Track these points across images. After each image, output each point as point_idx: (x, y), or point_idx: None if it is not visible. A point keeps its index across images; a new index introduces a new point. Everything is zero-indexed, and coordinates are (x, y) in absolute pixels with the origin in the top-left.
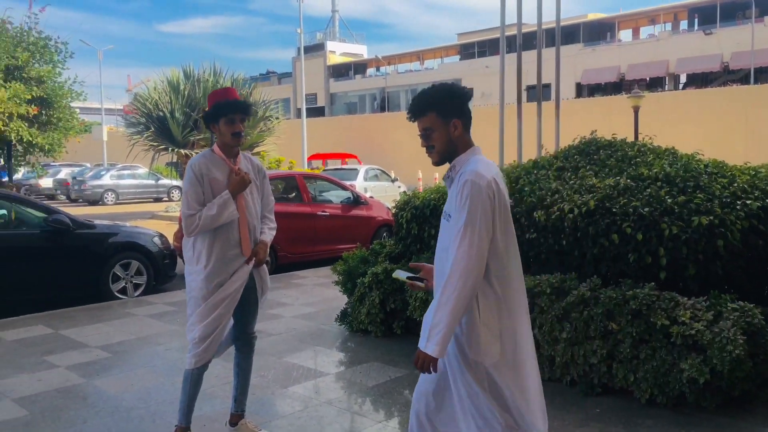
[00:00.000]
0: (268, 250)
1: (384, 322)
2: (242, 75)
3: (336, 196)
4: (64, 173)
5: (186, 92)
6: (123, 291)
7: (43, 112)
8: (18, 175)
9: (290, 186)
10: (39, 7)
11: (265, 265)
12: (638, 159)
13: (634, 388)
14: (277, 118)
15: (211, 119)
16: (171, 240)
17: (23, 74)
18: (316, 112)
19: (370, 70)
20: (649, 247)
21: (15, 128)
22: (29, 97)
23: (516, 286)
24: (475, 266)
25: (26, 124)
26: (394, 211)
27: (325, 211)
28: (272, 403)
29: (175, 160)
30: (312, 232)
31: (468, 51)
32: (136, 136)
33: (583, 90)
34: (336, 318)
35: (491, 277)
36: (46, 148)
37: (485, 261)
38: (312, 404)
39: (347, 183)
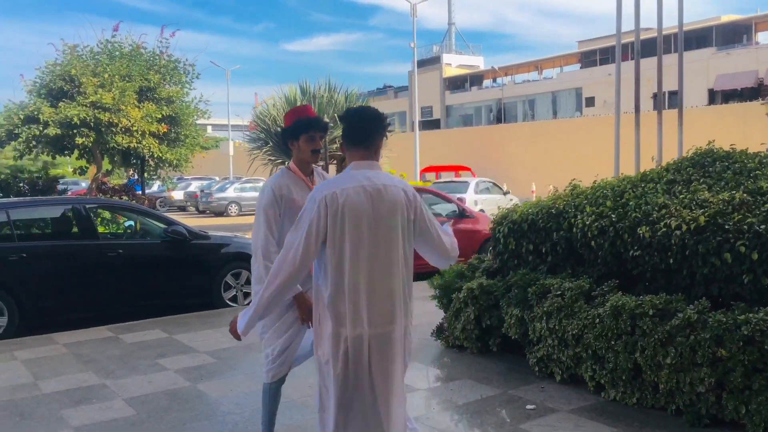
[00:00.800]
0: None
1: (480, 339)
2: (356, 90)
3: (441, 209)
4: (194, 186)
5: None
6: (234, 299)
7: (172, 129)
8: (153, 189)
9: None
10: (170, 32)
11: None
12: (758, 172)
13: (747, 421)
14: (390, 131)
15: (291, 136)
16: None
17: (155, 95)
18: (431, 124)
19: (487, 82)
20: (765, 267)
21: (147, 145)
22: (159, 116)
23: None
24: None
25: (157, 141)
26: (491, 225)
27: None
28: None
29: None
30: None
31: (589, 59)
32: (256, 151)
33: (717, 97)
34: (432, 333)
35: None
36: (174, 162)
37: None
38: None
39: (457, 196)
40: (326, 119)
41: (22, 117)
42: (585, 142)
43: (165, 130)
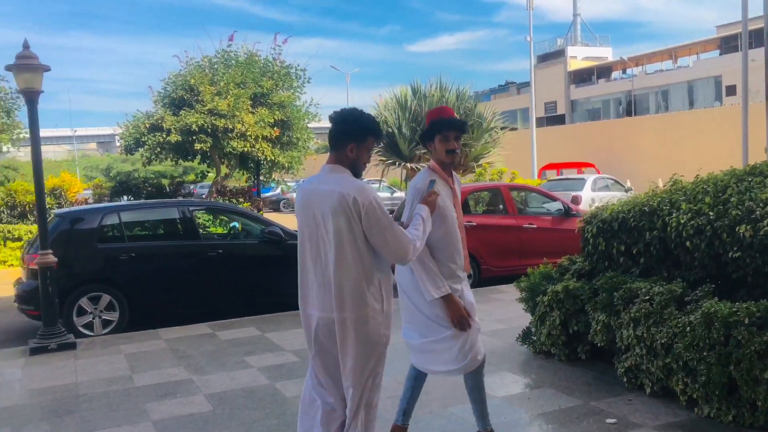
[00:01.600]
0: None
1: (567, 345)
2: (468, 88)
3: (549, 207)
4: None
5: (412, 108)
6: None
7: (284, 133)
8: (277, 191)
9: (495, 198)
10: (283, 39)
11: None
12: None
13: None
14: (502, 128)
15: (427, 137)
16: None
17: (268, 100)
18: (555, 120)
19: (615, 74)
20: None
21: (260, 149)
22: (272, 120)
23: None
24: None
25: (270, 144)
26: (580, 224)
27: (532, 224)
28: (427, 422)
29: (404, 174)
30: (517, 245)
31: (729, 44)
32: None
33: None
34: (517, 337)
35: None
36: (286, 165)
37: None
38: (465, 428)
39: (572, 194)
40: None
41: (147, 125)
42: (722, 133)
43: (277, 134)
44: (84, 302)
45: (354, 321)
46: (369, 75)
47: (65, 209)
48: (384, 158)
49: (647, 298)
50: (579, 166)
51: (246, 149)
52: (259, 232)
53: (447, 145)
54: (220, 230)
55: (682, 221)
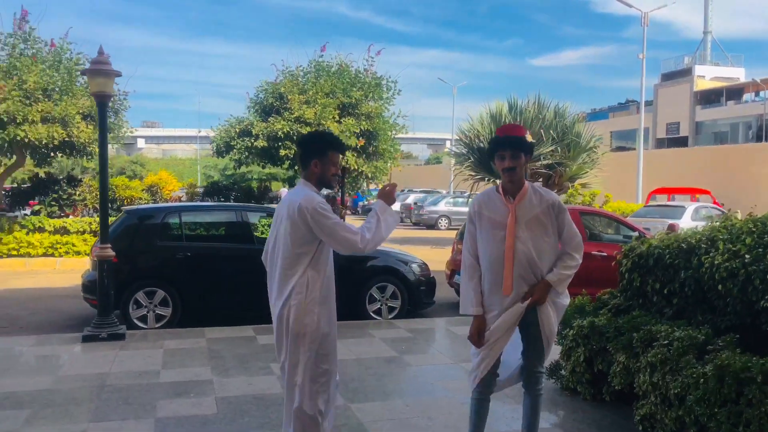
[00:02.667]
0: (548, 289)
1: (592, 384)
2: (568, 106)
3: (625, 235)
4: (411, 198)
5: (506, 123)
6: (378, 312)
7: (370, 143)
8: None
9: None
10: (376, 51)
11: (549, 304)
12: None
13: None
14: (594, 149)
15: (488, 155)
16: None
17: (356, 110)
18: (678, 142)
19: (747, 96)
20: None
21: (344, 157)
22: (357, 130)
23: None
24: None
25: (355, 154)
26: (618, 258)
27: (602, 251)
28: None
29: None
30: (583, 272)
31: None
32: (457, 166)
33: None
34: (546, 370)
35: None
36: (370, 175)
37: None
38: None
39: (669, 222)
40: (529, 137)
41: (238, 130)
42: None
43: (362, 143)
44: (140, 296)
45: (282, 312)
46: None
47: (134, 206)
48: (473, 173)
49: (666, 342)
50: (693, 192)
51: None
52: None
53: (502, 164)
54: None
55: (716, 262)
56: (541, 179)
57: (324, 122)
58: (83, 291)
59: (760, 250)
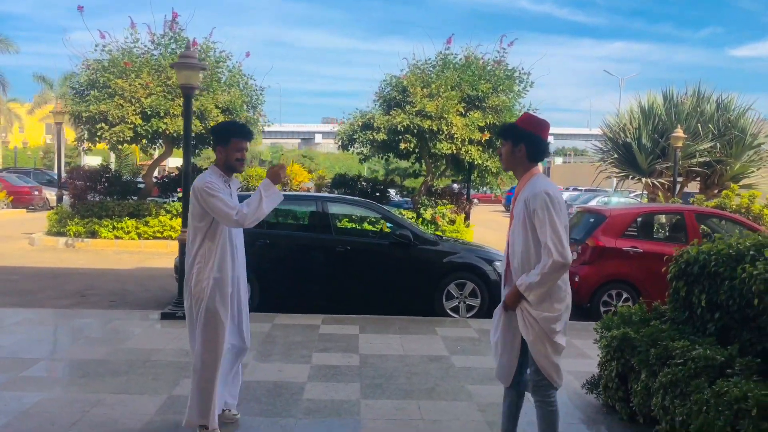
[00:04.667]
0: (516, 299)
1: (628, 401)
2: (733, 98)
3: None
4: (565, 196)
5: (658, 117)
6: (455, 310)
7: (496, 138)
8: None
9: (677, 224)
10: (509, 42)
11: (520, 312)
12: None
13: None
14: (762, 145)
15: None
16: None
17: (483, 104)
18: None
19: None
20: None
21: (468, 152)
22: (482, 124)
23: None
24: None
25: (480, 148)
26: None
27: None
28: None
29: (634, 189)
30: None
31: None
32: (598, 162)
33: None
34: (583, 384)
35: None
36: (494, 170)
37: None
38: None
39: None
40: (678, 131)
41: (360, 124)
42: None
43: (486, 137)
44: None
45: (188, 278)
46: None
47: None
48: (617, 170)
49: (680, 362)
50: None
51: (452, 151)
52: (390, 233)
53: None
54: (364, 226)
55: (754, 272)
56: (699, 178)
57: (446, 115)
58: (174, 272)
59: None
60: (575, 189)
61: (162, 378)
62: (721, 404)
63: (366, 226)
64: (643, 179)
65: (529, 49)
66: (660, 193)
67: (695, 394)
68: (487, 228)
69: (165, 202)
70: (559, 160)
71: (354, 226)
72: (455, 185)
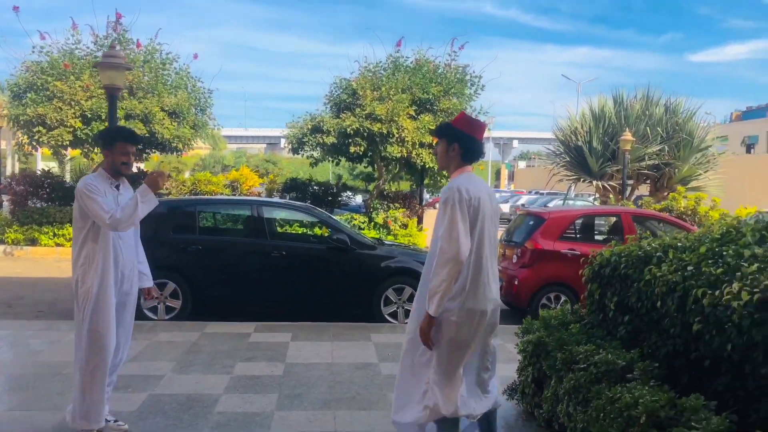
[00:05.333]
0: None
1: (544, 408)
2: (681, 102)
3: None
4: (524, 200)
5: (608, 120)
6: (394, 315)
7: None
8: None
9: (614, 225)
10: (459, 45)
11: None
12: None
13: None
14: (708, 148)
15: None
16: None
17: (434, 107)
18: None
19: None
20: None
21: (419, 155)
22: (433, 127)
23: None
24: None
25: (431, 152)
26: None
27: None
28: None
29: (594, 192)
30: None
31: None
32: (550, 165)
33: None
34: (505, 389)
35: None
36: (445, 174)
37: None
38: None
39: None
40: (626, 135)
41: (310, 127)
42: None
43: (436, 141)
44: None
45: (74, 277)
46: (639, 86)
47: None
48: (569, 173)
49: (583, 366)
50: None
51: (404, 155)
52: (327, 237)
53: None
54: (301, 231)
55: (658, 274)
56: (649, 180)
57: (397, 118)
58: None
59: (710, 260)
60: (537, 192)
61: (69, 392)
62: (614, 411)
63: (302, 230)
64: (594, 182)
65: (492, 53)
66: (611, 196)
67: (595, 400)
68: None
69: None
70: (522, 164)
71: (290, 230)
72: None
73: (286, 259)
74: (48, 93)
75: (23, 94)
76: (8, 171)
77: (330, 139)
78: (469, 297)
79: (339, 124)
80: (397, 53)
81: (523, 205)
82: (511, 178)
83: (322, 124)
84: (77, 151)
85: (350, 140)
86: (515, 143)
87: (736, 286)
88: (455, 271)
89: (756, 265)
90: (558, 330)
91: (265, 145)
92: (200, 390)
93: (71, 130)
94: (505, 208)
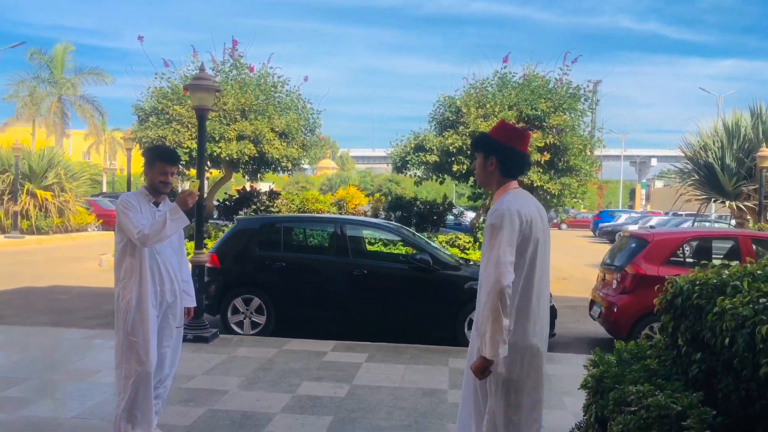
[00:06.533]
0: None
1: None
2: None
3: None
4: (654, 221)
5: (743, 135)
6: None
7: (559, 158)
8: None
9: (731, 249)
10: (572, 59)
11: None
12: None
13: None
14: None
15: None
16: None
17: (543, 123)
18: None
19: None
20: None
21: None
22: (541, 144)
23: None
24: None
25: (540, 170)
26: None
27: None
28: None
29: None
30: None
31: None
32: (677, 184)
33: None
34: (572, 429)
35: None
36: (556, 193)
37: None
38: None
39: None
40: (764, 150)
41: (413, 145)
42: None
43: (546, 158)
44: (238, 302)
45: (115, 290)
46: None
47: (246, 216)
48: (697, 193)
49: (634, 409)
50: None
51: None
52: (409, 257)
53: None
54: (388, 250)
55: (727, 306)
56: None
57: None
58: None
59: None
60: (675, 214)
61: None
62: None
63: (386, 249)
64: (728, 202)
65: (632, 70)
66: (749, 218)
67: None
68: (563, 253)
69: (225, 225)
70: (660, 184)
71: (373, 249)
72: None
73: (368, 277)
74: (168, 116)
75: (147, 118)
76: None
77: (432, 158)
78: (517, 332)
79: (442, 142)
80: (504, 69)
81: (651, 227)
82: (647, 198)
83: (425, 142)
84: (216, 171)
85: (453, 158)
86: (653, 161)
87: None
88: (503, 304)
89: None
90: (625, 365)
91: (391, 165)
92: (258, 408)
93: (188, 151)
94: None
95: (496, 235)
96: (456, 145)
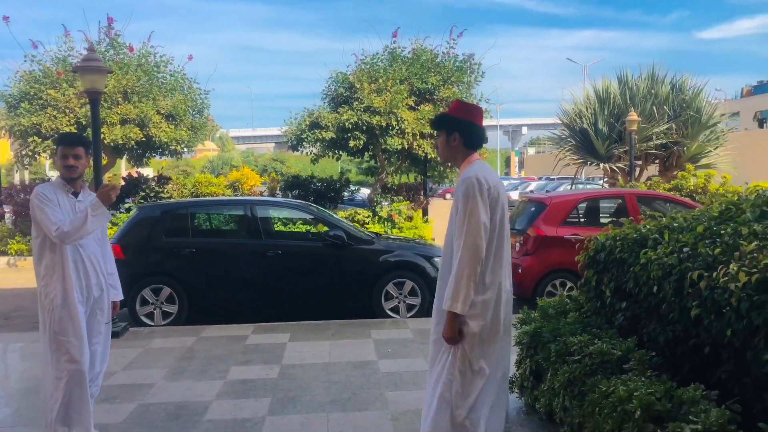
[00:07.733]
0: (453, 326)
1: (543, 401)
2: (687, 78)
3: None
4: (533, 186)
5: (613, 101)
6: (395, 310)
7: None
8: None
9: (619, 208)
10: (458, 33)
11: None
12: None
13: None
14: (716, 125)
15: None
16: None
17: (434, 96)
18: None
19: None
20: None
21: (420, 146)
22: (433, 117)
23: None
24: None
25: (433, 142)
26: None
27: None
28: None
29: (602, 175)
30: None
31: None
32: (555, 150)
33: None
34: (515, 381)
35: None
36: (451, 165)
37: None
38: None
39: None
40: (632, 115)
41: (308, 123)
42: None
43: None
44: (147, 293)
45: (37, 288)
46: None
47: (150, 203)
48: (575, 157)
49: (578, 358)
50: None
51: (405, 146)
52: (324, 234)
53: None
54: (298, 229)
55: (653, 257)
56: (657, 160)
57: (396, 110)
58: None
59: (707, 240)
60: (547, 178)
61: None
62: (608, 406)
63: (299, 228)
64: (602, 164)
65: (498, 41)
66: (619, 178)
67: (590, 393)
68: None
69: (113, 214)
70: (532, 151)
71: (286, 229)
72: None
73: (283, 257)
74: (42, 102)
75: (17, 105)
76: (17, 181)
77: (328, 135)
78: (489, 289)
79: (337, 118)
80: (393, 44)
81: (531, 191)
82: (521, 165)
83: (320, 119)
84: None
85: (349, 134)
86: (524, 130)
87: (733, 266)
88: (480, 264)
89: (755, 243)
90: (554, 319)
91: (273, 145)
92: (191, 397)
93: None
94: (515, 195)
95: (470, 201)
96: (352, 120)
